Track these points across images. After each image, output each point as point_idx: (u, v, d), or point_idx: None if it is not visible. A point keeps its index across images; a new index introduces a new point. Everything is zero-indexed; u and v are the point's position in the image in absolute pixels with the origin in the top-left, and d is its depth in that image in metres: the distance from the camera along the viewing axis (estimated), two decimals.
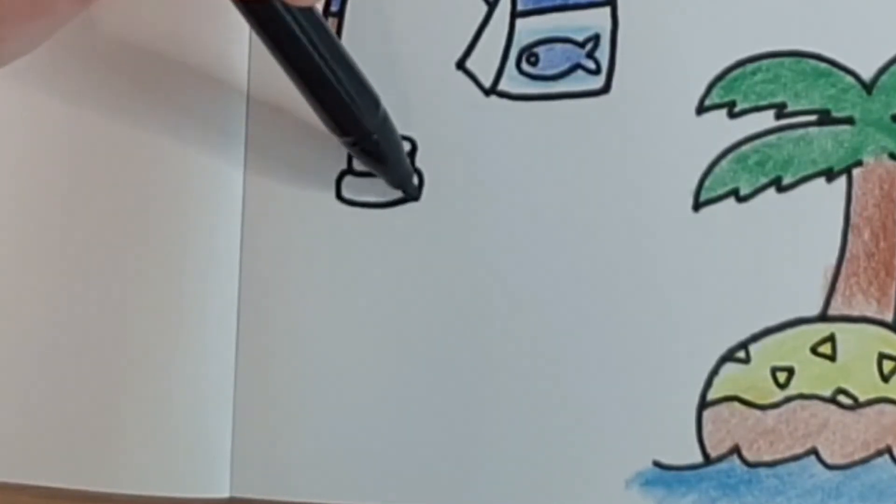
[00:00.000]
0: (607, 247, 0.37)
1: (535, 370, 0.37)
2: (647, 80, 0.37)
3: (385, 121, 0.36)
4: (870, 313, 0.36)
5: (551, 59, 0.38)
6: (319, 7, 0.37)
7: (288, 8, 0.30)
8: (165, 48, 0.38)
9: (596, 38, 0.38)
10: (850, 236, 0.36)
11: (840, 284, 0.36)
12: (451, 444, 0.37)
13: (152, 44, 0.38)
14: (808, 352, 0.36)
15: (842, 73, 0.37)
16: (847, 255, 0.36)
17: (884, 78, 0.37)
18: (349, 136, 0.35)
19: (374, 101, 0.35)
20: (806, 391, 0.36)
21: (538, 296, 0.37)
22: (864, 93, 0.37)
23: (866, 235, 0.36)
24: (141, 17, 0.37)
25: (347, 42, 0.38)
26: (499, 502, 0.37)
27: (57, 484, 0.37)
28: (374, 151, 0.36)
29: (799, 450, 0.36)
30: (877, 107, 0.37)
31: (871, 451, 0.36)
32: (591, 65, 0.38)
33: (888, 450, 0.36)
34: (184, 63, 0.38)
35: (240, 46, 0.38)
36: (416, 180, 0.37)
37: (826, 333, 0.36)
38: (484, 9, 0.38)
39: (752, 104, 0.37)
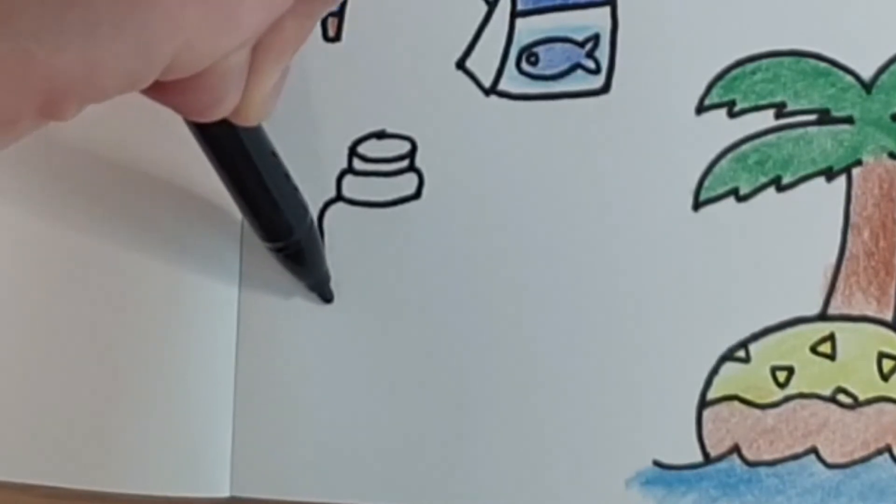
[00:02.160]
0: (607, 246, 0.37)
1: (535, 370, 0.37)
2: (646, 79, 0.37)
3: (311, 228, 0.36)
4: (869, 312, 0.36)
5: (551, 58, 0.38)
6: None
7: (232, 126, 0.30)
8: None
9: (596, 38, 0.38)
10: (849, 235, 0.36)
11: (840, 284, 0.36)
12: (451, 444, 0.37)
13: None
14: (807, 351, 0.36)
15: (841, 73, 0.37)
16: (847, 254, 0.36)
17: (883, 77, 0.37)
18: (276, 242, 0.36)
19: (302, 209, 0.35)
20: (806, 390, 0.36)
21: (538, 295, 0.37)
22: (863, 92, 0.37)
23: (866, 235, 0.36)
24: None
25: (347, 42, 0.38)
26: (499, 502, 0.37)
27: (57, 484, 0.37)
28: (298, 256, 0.36)
29: (799, 449, 0.36)
30: (876, 106, 0.37)
31: (871, 450, 0.36)
32: (590, 64, 0.38)
33: (888, 449, 0.36)
34: None
35: None
36: (332, 284, 0.37)
37: (826, 333, 0.36)
38: (484, 9, 0.38)
39: (752, 104, 0.37)
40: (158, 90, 0.26)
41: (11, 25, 0.22)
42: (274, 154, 0.34)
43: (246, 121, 0.29)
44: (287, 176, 0.35)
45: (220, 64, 0.25)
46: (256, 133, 0.33)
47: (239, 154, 0.33)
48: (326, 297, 0.37)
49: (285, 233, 0.35)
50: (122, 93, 0.24)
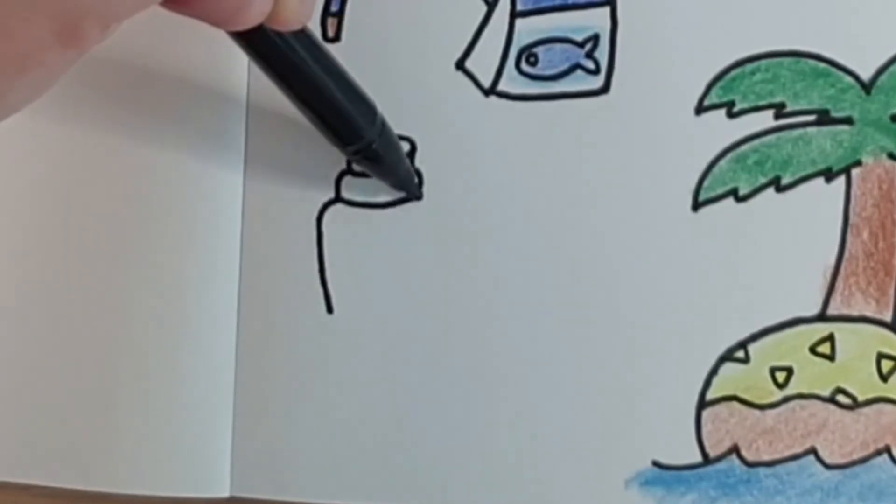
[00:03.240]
0: (606, 246, 0.37)
1: (534, 370, 0.37)
2: (646, 80, 0.37)
3: (383, 127, 0.36)
4: (869, 313, 0.36)
5: (551, 59, 0.38)
6: (318, 13, 0.37)
7: (279, 32, 0.30)
8: (164, 62, 0.38)
9: (595, 38, 0.38)
10: (848, 236, 0.36)
11: (839, 284, 0.36)
12: (451, 444, 0.37)
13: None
14: (807, 351, 0.36)
15: (841, 73, 0.37)
16: (846, 254, 0.36)
17: (883, 78, 0.37)
18: (350, 146, 0.36)
19: (371, 110, 0.35)
20: (805, 391, 0.36)
21: (537, 295, 0.37)
22: (863, 93, 0.37)
23: (865, 235, 0.36)
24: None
25: (347, 42, 0.38)
26: (499, 502, 0.37)
27: (57, 484, 0.37)
28: (375, 158, 0.36)
29: (798, 449, 0.36)
30: (876, 107, 0.37)
31: (870, 450, 0.36)
32: (590, 65, 0.38)
33: (887, 449, 0.36)
34: (183, 71, 0.38)
35: (239, 58, 0.38)
36: (416, 180, 0.37)
37: (825, 333, 0.36)
38: (483, 9, 0.38)
39: (751, 104, 0.37)
40: (179, 4, 0.25)
41: None
42: (330, 58, 0.34)
43: (285, 25, 0.29)
44: (348, 79, 0.35)
45: None
46: (304, 38, 0.32)
47: (290, 62, 0.33)
48: (415, 194, 0.37)
49: (356, 136, 0.35)
50: (141, 9, 0.24)
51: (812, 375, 0.36)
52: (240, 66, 0.38)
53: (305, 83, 0.34)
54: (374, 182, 0.37)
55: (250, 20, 0.28)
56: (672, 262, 0.37)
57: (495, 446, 0.37)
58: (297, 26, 0.29)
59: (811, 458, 0.36)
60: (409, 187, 0.37)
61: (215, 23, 0.28)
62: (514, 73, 0.38)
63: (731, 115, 0.37)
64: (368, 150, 0.36)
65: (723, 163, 0.37)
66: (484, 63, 0.38)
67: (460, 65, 0.38)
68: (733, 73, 0.37)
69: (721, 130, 0.37)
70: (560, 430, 0.37)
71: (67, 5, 0.22)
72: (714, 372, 0.36)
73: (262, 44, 0.32)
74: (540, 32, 0.38)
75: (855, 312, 0.36)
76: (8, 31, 0.22)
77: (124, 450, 0.37)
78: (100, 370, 0.37)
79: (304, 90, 0.34)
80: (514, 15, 0.38)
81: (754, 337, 0.36)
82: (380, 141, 0.36)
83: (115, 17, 0.24)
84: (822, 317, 0.36)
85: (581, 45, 0.38)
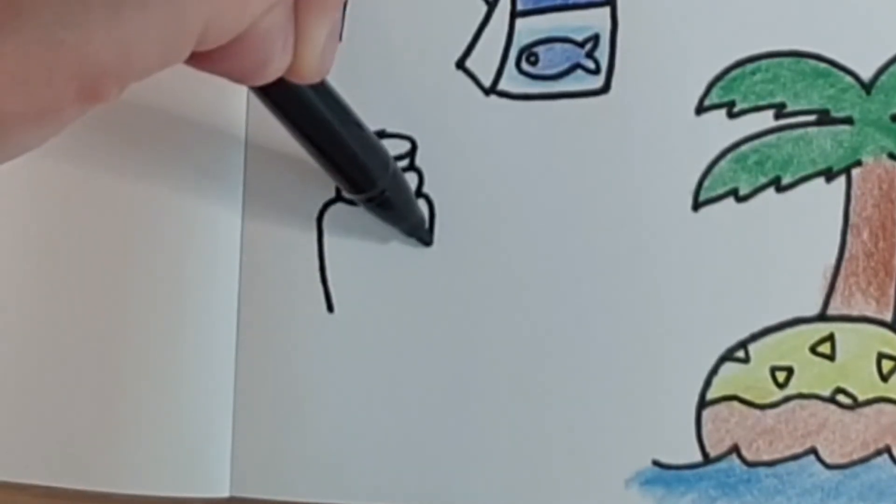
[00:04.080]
0: (606, 246, 0.37)
1: (534, 369, 0.37)
2: (646, 79, 0.37)
3: (395, 175, 0.36)
4: (869, 313, 0.36)
5: (551, 58, 0.38)
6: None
7: (297, 84, 0.30)
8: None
9: (595, 38, 0.38)
10: (849, 236, 0.37)
11: (839, 284, 0.36)
12: (451, 444, 0.37)
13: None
14: (807, 351, 0.36)
15: (841, 73, 0.37)
16: (846, 254, 0.36)
17: (883, 78, 0.37)
18: (363, 194, 0.36)
19: (384, 158, 0.35)
20: (805, 391, 0.36)
21: (537, 294, 0.37)
22: (863, 93, 0.37)
23: (865, 235, 0.36)
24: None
25: (347, 42, 0.38)
26: (499, 501, 0.37)
27: (57, 484, 0.37)
28: (387, 205, 0.36)
29: (798, 449, 0.36)
30: (876, 107, 0.37)
31: (871, 450, 0.36)
32: (590, 64, 0.38)
33: (887, 449, 0.36)
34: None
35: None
36: (427, 227, 0.37)
37: (825, 333, 0.36)
38: (484, 9, 0.38)
39: (752, 104, 0.37)
40: (200, 59, 0.25)
41: (39, 15, 0.22)
42: (345, 109, 0.34)
43: (303, 79, 0.29)
44: (362, 127, 0.35)
45: (256, 27, 0.25)
46: (321, 89, 0.32)
47: (307, 112, 0.33)
48: (425, 241, 0.37)
49: (369, 184, 0.35)
50: (161, 68, 0.24)
51: (812, 375, 0.36)
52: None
53: (321, 133, 0.34)
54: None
55: (270, 76, 0.28)
56: (672, 262, 0.37)
57: (495, 446, 0.37)
58: (316, 80, 0.29)
59: (811, 457, 0.36)
60: (420, 234, 0.37)
61: (235, 79, 0.28)
62: (515, 72, 0.38)
63: (731, 115, 0.37)
64: (381, 198, 0.36)
65: (723, 163, 0.37)
66: (484, 62, 0.38)
67: (461, 64, 0.38)
68: (734, 73, 0.37)
69: (721, 130, 0.37)
70: (560, 430, 0.37)
71: (89, 66, 0.23)
72: (714, 372, 0.36)
73: (279, 94, 0.32)
74: (540, 32, 0.38)
75: (855, 312, 0.36)
76: (29, 89, 0.22)
77: (124, 450, 0.37)
78: (100, 370, 0.37)
79: (320, 140, 0.34)
80: (514, 14, 0.38)
81: (755, 337, 0.36)
82: (392, 189, 0.36)
83: (136, 77, 0.24)
84: (822, 317, 0.36)
85: (581, 44, 0.38)
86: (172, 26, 0.23)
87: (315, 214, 0.38)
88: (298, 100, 0.32)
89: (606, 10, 0.38)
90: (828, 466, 0.36)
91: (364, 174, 0.35)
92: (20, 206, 0.38)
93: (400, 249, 0.38)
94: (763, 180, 0.37)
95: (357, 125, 0.34)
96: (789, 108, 0.37)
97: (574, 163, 0.37)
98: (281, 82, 0.28)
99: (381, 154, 0.35)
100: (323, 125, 0.33)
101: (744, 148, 0.37)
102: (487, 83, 0.38)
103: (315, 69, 0.28)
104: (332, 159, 0.35)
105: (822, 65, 0.37)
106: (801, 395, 0.36)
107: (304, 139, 0.34)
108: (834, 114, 0.37)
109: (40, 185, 0.38)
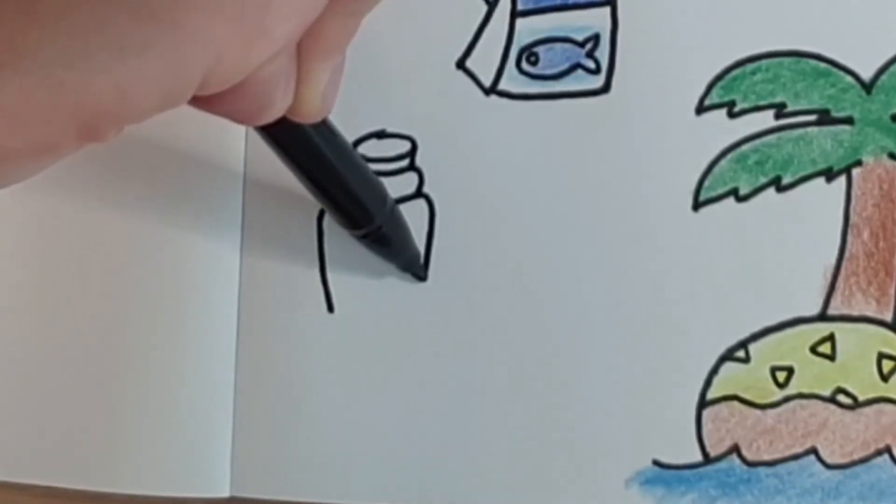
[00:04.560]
0: (607, 246, 0.37)
1: (535, 369, 0.37)
2: (646, 79, 0.37)
3: (392, 212, 0.36)
4: (869, 313, 0.36)
5: (551, 58, 0.38)
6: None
7: (296, 124, 0.30)
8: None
9: (596, 38, 0.38)
10: (849, 236, 0.37)
11: (839, 284, 0.36)
12: (451, 444, 0.37)
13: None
14: (807, 351, 0.36)
15: (841, 73, 0.37)
16: (846, 254, 0.36)
17: (883, 78, 0.37)
18: (359, 230, 0.36)
19: (382, 195, 0.36)
20: (805, 391, 0.36)
21: (537, 294, 0.37)
22: (863, 93, 0.37)
23: (866, 235, 0.36)
24: None
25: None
26: (499, 502, 0.37)
27: (57, 484, 0.37)
28: (384, 241, 0.36)
29: (798, 449, 0.36)
30: (876, 107, 0.37)
31: (871, 450, 0.36)
32: (590, 64, 0.38)
33: (887, 449, 0.36)
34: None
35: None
36: (422, 262, 0.37)
37: (825, 333, 0.36)
38: (484, 8, 0.38)
39: (752, 104, 0.37)
40: (201, 102, 0.25)
41: (40, 56, 0.22)
42: (344, 145, 0.34)
43: (305, 119, 0.29)
44: (360, 164, 0.35)
45: (258, 73, 0.25)
46: (322, 127, 0.32)
47: (308, 150, 0.33)
48: (420, 276, 0.37)
49: (367, 220, 0.35)
50: (160, 111, 0.24)
51: (812, 375, 0.36)
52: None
53: (320, 170, 0.34)
54: None
55: (271, 118, 0.28)
56: (672, 262, 0.37)
57: (495, 446, 0.37)
58: (317, 120, 0.29)
59: (812, 457, 0.36)
60: (416, 269, 0.37)
61: (236, 121, 0.28)
62: (515, 72, 0.38)
63: (731, 114, 0.37)
64: (377, 234, 0.36)
65: (723, 163, 0.37)
66: (484, 62, 0.38)
67: (461, 64, 0.38)
68: (734, 72, 0.37)
69: (722, 130, 0.37)
70: (560, 430, 0.37)
71: (89, 107, 0.23)
72: (714, 371, 0.36)
73: (278, 132, 0.32)
74: (540, 32, 0.38)
75: (855, 312, 0.36)
76: (29, 127, 0.23)
77: (124, 450, 0.37)
78: (100, 370, 0.37)
79: (319, 176, 0.34)
80: (514, 14, 0.38)
81: (755, 336, 0.36)
82: (389, 224, 0.36)
83: (135, 120, 0.24)
84: (822, 317, 0.36)
85: (581, 44, 0.38)
86: (173, 72, 0.23)
87: (315, 214, 0.38)
88: (298, 137, 0.32)
89: (607, 10, 0.38)
90: (828, 466, 0.36)
91: (362, 210, 0.35)
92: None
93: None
94: (763, 180, 0.37)
95: (356, 161, 0.35)
96: (790, 108, 0.37)
97: (574, 163, 0.37)
98: (281, 120, 0.28)
99: (379, 190, 0.36)
100: (322, 162, 0.33)
101: (744, 148, 0.37)
102: (487, 83, 0.38)
103: (317, 110, 0.28)
104: (330, 195, 0.35)
105: (823, 65, 0.37)
106: (801, 395, 0.36)
107: (303, 175, 0.34)
108: (834, 114, 0.37)
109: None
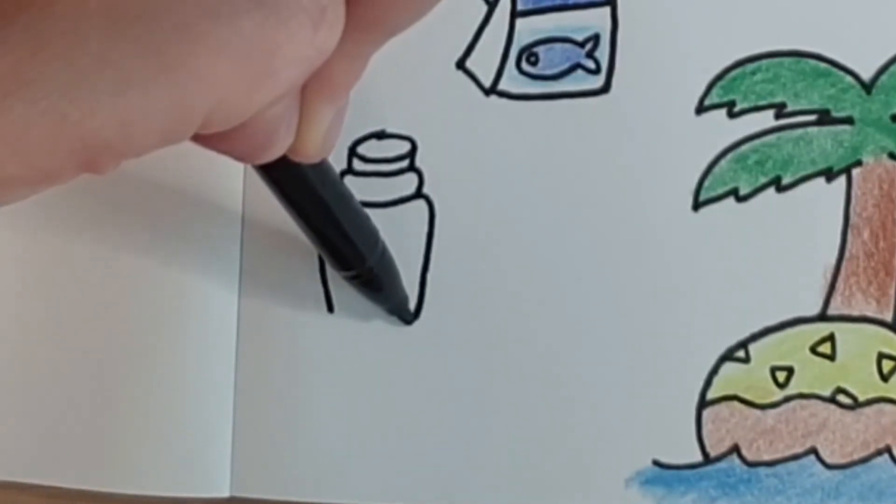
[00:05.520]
0: (607, 246, 0.37)
1: (535, 369, 0.37)
2: (646, 79, 0.37)
3: (383, 254, 0.36)
4: (869, 313, 0.36)
5: (551, 58, 0.38)
6: None
7: (294, 163, 0.30)
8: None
9: (596, 38, 0.38)
10: (849, 236, 0.37)
11: (839, 284, 0.36)
12: (451, 444, 0.37)
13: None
14: (807, 351, 0.36)
15: (841, 73, 0.37)
16: (846, 254, 0.36)
17: (883, 78, 0.37)
18: (349, 271, 0.36)
19: (374, 236, 0.36)
20: (805, 391, 0.36)
21: (537, 294, 0.37)
22: (863, 93, 0.37)
23: (866, 235, 0.36)
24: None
25: None
26: (499, 501, 0.37)
27: (57, 484, 0.37)
28: (373, 283, 0.36)
29: (798, 449, 0.36)
30: (876, 107, 0.37)
31: (871, 450, 0.36)
32: (590, 64, 0.38)
33: (888, 449, 0.36)
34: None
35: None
36: (411, 306, 0.37)
37: (825, 333, 0.36)
38: (484, 9, 0.38)
39: (752, 104, 0.37)
40: (202, 139, 0.25)
41: (45, 89, 0.22)
42: (340, 187, 0.34)
43: (304, 159, 0.29)
44: (355, 207, 0.35)
45: (262, 113, 0.25)
46: (320, 167, 0.32)
47: (304, 189, 0.33)
48: (406, 320, 0.37)
49: (358, 262, 0.35)
50: (159, 148, 0.24)
51: (812, 375, 0.36)
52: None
53: (315, 209, 0.34)
54: (375, 181, 0.37)
55: (272, 157, 0.28)
56: (672, 262, 0.37)
57: (495, 446, 0.37)
58: (317, 160, 0.29)
59: (812, 457, 0.36)
60: (403, 313, 0.37)
61: (238, 158, 0.28)
62: (515, 72, 0.38)
63: (731, 114, 0.37)
64: (368, 275, 0.36)
65: (723, 163, 0.37)
66: (484, 62, 0.38)
67: (461, 64, 0.38)
68: (734, 72, 0.37)
69: (722, 130, 0.37)
70: (560, 430, 0.37)
71: (90, 141, 0.23)
72: (715, 371, 0.36)
73: (277, 170, 0.32)
74: (540, 32, 0.38)
75: (855, 312, 0.36)
76: (31, 157, 0.23)
77: (124, 450, 0.37)
78: (100, 370, 0.37)
79: (314, 215, 0.34)
80: (514, 14, 0.38)
81: (755, 337, 0.36)
82: (379, 266, 0.36)
83: (136, 154, 0.24)
84: (822, 317, 0.36)
85: (581, 44, 0.38)
86: (176, 110, 0.23)
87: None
88: (296, 176, 0.32)
89: (606, 10, 0.38)
90: (828, 466, 0.36)
91: (354, 251, 0.35)
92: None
93: (400, 248, 0.37)
94: (763, 180, 0.37)
95: (350, 201, 0.34)
96: (790, 108, 0.37)
97: (574, 163, 0.37)
98: (280, 158, 0.28)
99: (372, 232, 0.36)
100: (318, 202, 0.33)
101: (744, 148, 0.37)
102: (487, 83, 0.38)
103: (318, 150, 0.28)
104: (323, 235, 0.35)
105: (823, 65, 0.37)
106: (801, 395, 0.36)
107: (297, 213, 0.34)
108: (834, 114, 0.37)
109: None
